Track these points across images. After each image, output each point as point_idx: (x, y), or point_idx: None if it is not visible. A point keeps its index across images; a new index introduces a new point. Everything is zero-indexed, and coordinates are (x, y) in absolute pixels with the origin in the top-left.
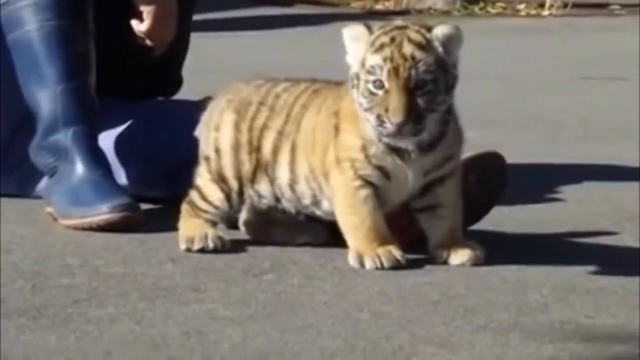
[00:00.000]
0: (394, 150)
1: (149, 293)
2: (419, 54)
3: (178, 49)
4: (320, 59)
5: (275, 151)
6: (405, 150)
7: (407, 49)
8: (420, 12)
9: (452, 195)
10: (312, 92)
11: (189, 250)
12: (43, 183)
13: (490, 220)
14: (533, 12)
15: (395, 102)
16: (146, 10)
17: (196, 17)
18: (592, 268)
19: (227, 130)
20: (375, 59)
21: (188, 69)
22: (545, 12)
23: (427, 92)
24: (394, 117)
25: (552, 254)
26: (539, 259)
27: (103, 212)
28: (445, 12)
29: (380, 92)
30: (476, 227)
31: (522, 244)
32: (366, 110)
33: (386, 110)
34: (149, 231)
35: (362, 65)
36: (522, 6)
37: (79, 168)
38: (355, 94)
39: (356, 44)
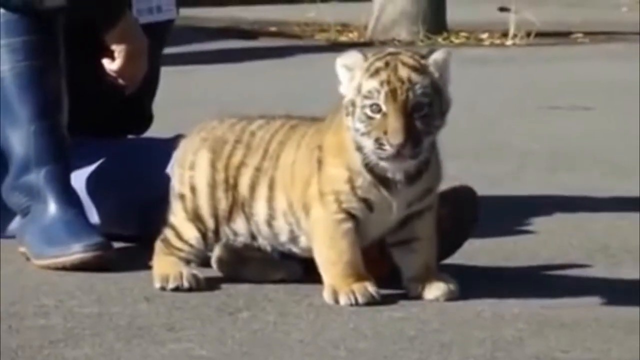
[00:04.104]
0: (381, 180)
1: (124, 333)
2: (415, 77)
3: (149, 86)
4: (286, 90)
5: (253, 187)
6: (392, 180)
7: (403, 72)
8: (384, 43)
9: (428, 229)
10: (289, 128)
11: (163, 288)
12: (16, 223)
13: (463, 253)
14: (497, 41)
15: (394, 124)
16: (117, 49)
17: None
18: (565, 301)
19: (203, 168)
20: (371, 84)
21: (154, 103)
22: (509, 42)
23: (424, 115)
24: (394, 139)
25: (526, 287)
26: (513, 292)
27: (76, 252)
28: (409, 42)
29: (378, 116)
30: (449, 260)
31: (495, 277)
32: (363, 134)
33: (385, 132)
34: (123, 270)
35: (358, 91)
36: (485, 35)
37: (52, 207)
38: (350, 121)
39: (350, 71)
